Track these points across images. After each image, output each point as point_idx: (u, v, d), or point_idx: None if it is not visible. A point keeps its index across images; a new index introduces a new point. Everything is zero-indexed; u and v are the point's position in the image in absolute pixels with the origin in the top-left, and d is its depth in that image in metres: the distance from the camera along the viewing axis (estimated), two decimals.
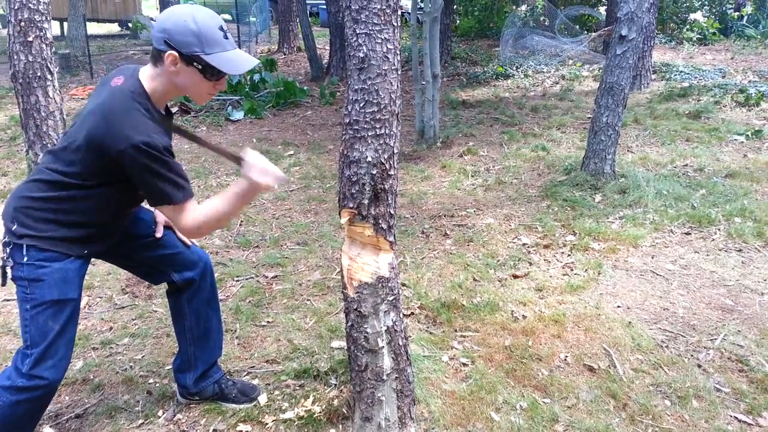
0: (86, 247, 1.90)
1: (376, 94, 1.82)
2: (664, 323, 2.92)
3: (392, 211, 1.97)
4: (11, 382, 1.81)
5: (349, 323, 2.05)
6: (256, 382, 2.49)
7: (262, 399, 2.37)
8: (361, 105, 1.83)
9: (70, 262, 1.85)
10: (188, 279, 2.17)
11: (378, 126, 1.85)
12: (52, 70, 4.22)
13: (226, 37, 1.77)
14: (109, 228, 1.95)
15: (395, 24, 1.82)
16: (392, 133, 1.89)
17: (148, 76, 1.79)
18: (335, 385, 2.44)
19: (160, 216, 2.13)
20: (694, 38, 11.12)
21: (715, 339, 2.77)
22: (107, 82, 1.83)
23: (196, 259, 2.19)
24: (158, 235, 2.11)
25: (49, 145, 4.17)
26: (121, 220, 1.98)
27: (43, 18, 4.11)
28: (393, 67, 1.84)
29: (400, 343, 2.08)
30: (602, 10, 12.40)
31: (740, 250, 3.65)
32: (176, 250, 2.14)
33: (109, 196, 1.84)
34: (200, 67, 1.74)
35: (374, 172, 1.88)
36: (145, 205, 1.98)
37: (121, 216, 1.97)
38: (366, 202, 1.91)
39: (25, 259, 1.79)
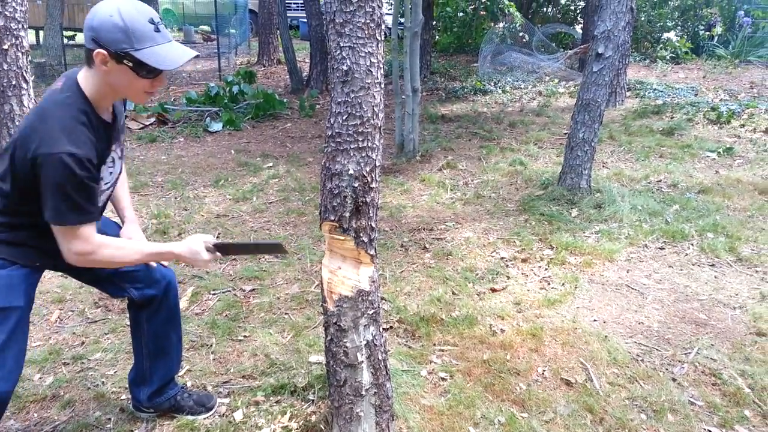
0: (37, 259, 1.83)
1: (359, 107, 1.82)
2: (640, 337, 2.95)
3: (373, 224, 1.97)
4: None
5: (329, 337, 2.03)
6: (231, 398, 2.45)
7: (238, 415, 2.33)
8: (344, 118, 1.83)
9: (16, 269, 1.77)
10: (148, 297, 2.12)
11: (360, 139, 1.85)
12: (27, 78, 4.15)
13: (158, 30, 1.66)
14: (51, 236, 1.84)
15: (379, 38, 1.83)
16: (374, 146, 1.89)
17: (84, 77, 1.71)
18: (313, 400, 2.41)
19: (126, 234, 2.07)
20: (668, 57, 11.38)
21: (689, 353, 2.81)
22: (50, 87, 1.76)
23: (158, 277, 2.13)
24: None
25: None
26: None
27: (20, 26, 4.04)
28: (376, 81, 1.84)
29: (380, 357, 2.07)
30: (578, 28, 12.63)
31: (713, 265, 3.72)
32: (138, 268, 2.08)
33: (38, 207, 1.70)
34: (131, 64, 1.64)
35: (356, 184, 1.88)
36: (114, 216, 1.94)
37: None
38: (347, 214, 1.90)
39: None
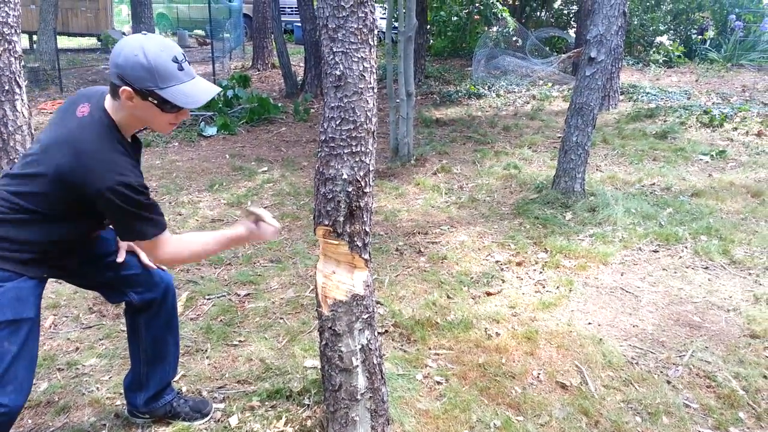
0: (45, 270, 1.85)
1: (352, 112, 1.83)
2: (634, 340, 2.96)
3: (367, 229, 1.97)
4: None
5: (324, 342, 2.03)
6: (227, 403, 2.45)
7: (233, 420, 2.32)
8: (338, 123, 1.84)
9: (24, 281, 1.78)
10: (148, 300, 2.12)
11: (354, 143, 1.86)
12: (20, 83, 4.14)
13: (182, 68, 1.71)
14: (71, 251, 1.90)
15: (371, 43, 1.84)
16: (368, 150, 1.90)
17: (111, 107, 1.76)
18: (308, 405, 2.41)
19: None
20: (660, 61, 11.45)
21: (684, 355, 2.82)
22: (72, 109, 1.78)
23: (157, 280, 2.14)
24: (120, 259, 2.06)
25: (15, 159, 4.07)
26: (85, 244, 1.94)
27: (12, 31, 4.03)
28: (369, 86, 1.85)
29: (375, 361, 2.07)
30: (572, 32, 12.70)
31: (707, 268, 3.74)
32: (136, 271, 2.10)
33: (75, 226, 1.82)
34: (156, 102, 1.70)
35: (350, 189, 1.88)
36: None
37: (85, 240, 1.93)
38: (341, 219, 1.91)
39: None
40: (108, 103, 1.77)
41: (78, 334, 3.00)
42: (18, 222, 1.75)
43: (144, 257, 2.13)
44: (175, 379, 2.45)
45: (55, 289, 3.39)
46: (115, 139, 1.74)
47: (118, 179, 1.66)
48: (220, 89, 1.92)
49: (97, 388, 2.55)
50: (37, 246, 1.79)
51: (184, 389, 2.53)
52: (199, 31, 18.11)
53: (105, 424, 2.33)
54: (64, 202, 1.72)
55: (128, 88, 1.67)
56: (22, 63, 4.22)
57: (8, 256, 1.75)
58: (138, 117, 1.76)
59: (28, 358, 1.79)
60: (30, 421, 2.35)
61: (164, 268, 2.20)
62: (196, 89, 1.75)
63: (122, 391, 2.35)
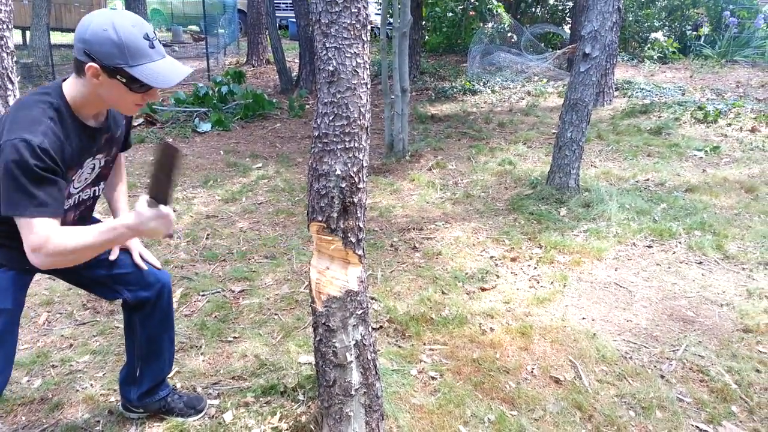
0: (25, 262, 1.75)
1: (345, 108, 1.83)
2: (628, 335, 2.97)
3: (361, 225, 1.97)
4: None
5: (318, 338, 2.03)
6: (221, 399, 2.45)
7: (228, 416, 2.33)
8: (331, 118, 1.84)
9: (3, 271, 1.77)
10: (142, 299, 2.11)
11: (347, 139, 1.85)
12: (13, 79, 4.11)
13: (153, 46, 1.61)
14: None
15: (364, 39, 1.83)
16: (361, 146, 1.90)
17: (70, 83, 1.68)
18: (303, 401, 2.41)
19: None
20: (655, 57, 11.47)
21: (677, 350, 2.84)
22: None
23: (152, 280, 2.12)
24: (112, 257, 2.03)
25: None
26: None
27: (4, 26, 4.00)
28: (362, 81, 1.84)
29: (369, 357, 2.07)
30: (566, 28, 12.70)
31: (700, 263, 3.75)
32: (130, 270, 2.07)
33: None
34: (124, 80, 1.60)
35: (343, 185, 1.88)
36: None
37: None
38: (335, 215, 1.91)
39: None
40: (68, 80, 1.69)
41: (72, 330, 2.99)
42: None
43: (137, 256, 2.11)
44: (170, 375, 2.45)
45: (49, 285, 3.38)
46: (52, 106, 1.63)
47: (22, 135, 1.52)
48: (191, 70, 1.77)
49: (91, 385, 2.54)
50: (4, 231, 1.73)
51: (178, 385, 2.53)
52: (194, 27, 18.04)
53: (99, 421, 2.32)
54: None
55: (95, 65, 1.57)
56: (15, 59, 4.19)
57: None
58: (102, 96, 1.66)
59: (5, 350, 1.77)
60: (23, 418, 2.35)
61: (160, 266, 2.18)
62: (167, 69, 1.64)
63: (116, 387, 2.35)
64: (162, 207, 1.63)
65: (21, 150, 1.52)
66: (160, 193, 1.63)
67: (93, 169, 1.84)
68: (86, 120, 1.73)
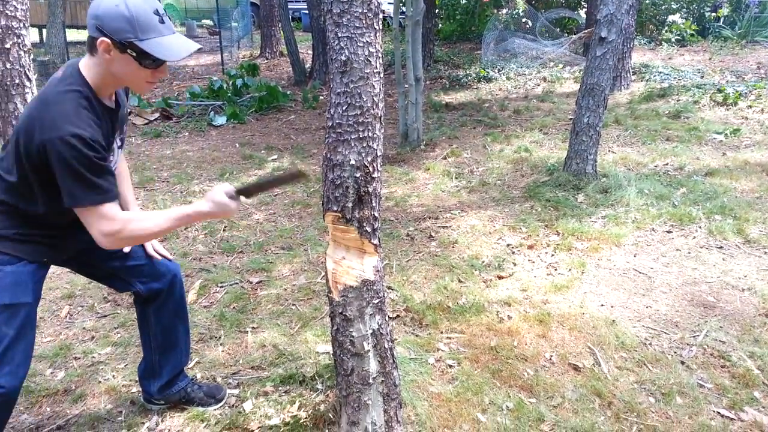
0: (44, 254, 1.85)
1: (358, 98, 1.82)
2: (648, 321, 2.95)
3: (376, 214, 1.97)
4: None
5: (335, 327, 2.04)
6: (240, 389, 2.47)
7: (247, 406, 2.35)
8: (344, 108, 1.83)
9: (23, 265, 1.79)
10: (155, 290, 2.14)
11: (361, 129, 1.85)
12: (30, 77, 4.17)
13: (163, 21, 1.67)
14: (61, 229, 1.86)
15: (377, 27, 1.82)
16: (375, 136, 1.89)
17: (85, 65, 1.71)
18: (321, 390, 2.43)
19: None
20: (673, 39, 11.27)
21: (698, 335, 2.81)
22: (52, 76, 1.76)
23: (164, 270, 2.15)
24: (126, 249, 2.06)
25: None
26: (74, 226, 1.81)
27: (21, 25, 4.05)
28: (375, 71, 1.84)
29: (386, 346, 2.08)
30: (582, 12, 12.53)
31: (721, 248, 3.70)
32: (142, 261, 2.10)
33: (49, 198, 1.72)
34: (134, 54, 1.64)
35: (358, 175, 1.88)
36: None
37: (72, 221, 1.79)
38: (350, 205, 1.91)
39: None
40: (83, 62, 1.72)
41: (93, 323, 3.04)
42: (3, 202, 1.76)
43: (149, 248, 2.14)
44: (189, 365, 2.48)
45: (70, 279, 3.44)
46: (82, 95, 1.67)
47: (71, 130, 1.58)
48: (199, 46, 1.83)
49: (113, 376, 2.58)
50: (25, 224, 1.78)
51: (198, 376, 2.56)
52: (208, 21, 18.09)
53: (121, 411, 2.36)
54: (33, 170, 1.67)
55: (107, 39, 1.62)
56: (32, 57, 4.24)
57: (5, 235, 1.76)
58: (114, 73, 1.69)
59: (25, 342, 1.81)
60: (48, 409, 2.40)
61: (170, 258, 2.20)
62: (176, 43, 1.69)
63: (137, 378, 2.38)
64: (243, 199, 1.86)
65: (76, 145, 1.59)
66: (252, 192, 1.91)
67: (113, 151, 1.88)
68: (105, 101, 1.77)
